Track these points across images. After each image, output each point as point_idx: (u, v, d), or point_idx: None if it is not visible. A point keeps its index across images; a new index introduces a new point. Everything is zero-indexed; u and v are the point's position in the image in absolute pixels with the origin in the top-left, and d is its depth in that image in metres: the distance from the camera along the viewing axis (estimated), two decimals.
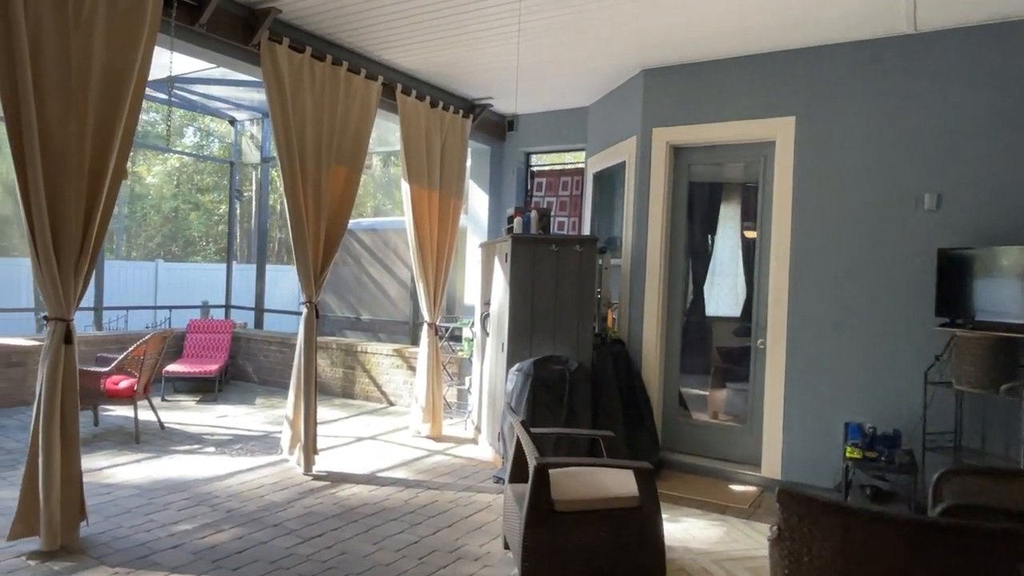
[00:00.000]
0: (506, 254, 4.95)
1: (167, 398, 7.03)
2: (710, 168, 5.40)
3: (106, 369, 5.20)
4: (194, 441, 5.41)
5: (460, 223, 6.40)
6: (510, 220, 5.44)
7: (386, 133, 9.55)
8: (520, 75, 5.58)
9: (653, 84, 5.34)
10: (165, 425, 5.80)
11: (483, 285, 5.84)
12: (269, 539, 3.56)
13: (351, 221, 9.62)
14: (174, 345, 7.98)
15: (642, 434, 4.92)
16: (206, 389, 7.45)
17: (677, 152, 5.33)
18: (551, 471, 3.12)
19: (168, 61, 7.04)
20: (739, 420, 5.19)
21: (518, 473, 3.45)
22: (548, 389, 4.50)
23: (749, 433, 5.04)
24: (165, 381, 7.07)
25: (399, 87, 5.51)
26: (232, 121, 9.35)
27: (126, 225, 19.06)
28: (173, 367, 7.03)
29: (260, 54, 4.38)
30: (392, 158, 17.61)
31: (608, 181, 6.27)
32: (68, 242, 3.26)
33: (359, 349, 7.45)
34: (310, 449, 4.68)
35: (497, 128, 7.00)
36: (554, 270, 4.81)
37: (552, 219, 6.65)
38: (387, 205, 19.57)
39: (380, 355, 7.31)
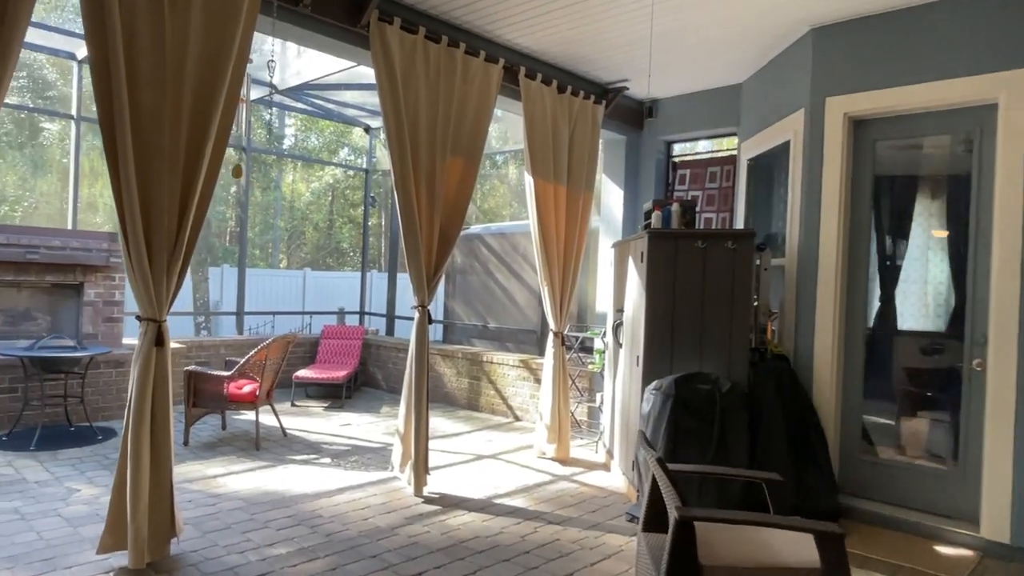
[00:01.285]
0: (642, 252, 4.25)
1: (297, 403, 7.01)
2: (902, 148, 4.33)
3: (228, 373, 5.14)
4: (312, 451, 5.21)
5: (591, 223, 5.76)
6: (647, 215, 4.73)
7: (520, 131, 9.14)
8: (659, 48, 4.86)
9: (824, 44, 4.39)
10: (287, 432, 5.68)
11: (616, 289, 5.15)
12: (364, 573, 3.13)
13: (480, 226, 9.33)
14: (309, 350, 8.05)
15: (814, 474, 3.98)
16: (336, 395, 7.38)
17: (858, 126, 4.33)
18: (698, 523, 2.39)
19: (298, 67, 7.07)
20: (943, 460, 4.06)
21: (654, 520, 2.74)
22: (693, 414, 3.73)
23: (961, 479, 3.91)
24: (296, 386, 7.06)
25: (522, 70, 5.00)
26: (367, 129, 9.40)
27: (281, 235, 20.42)
28: (303, 372, 7.00)
29: (369, 36, 4.05)
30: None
31: (765, 169, 5.34)
32: (161, 239, 3.04)
33: (485, 359, 7.03)
34: (421, 468, 4.25)
35: (633, 115, 6.29)
36: (700, 271, 4.03)
37: (698, 215, 5.82)
38: (524, 214, 19.20)
39: (506, 366, 6.83)
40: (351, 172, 21.28)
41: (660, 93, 6.11)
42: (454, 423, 6.42)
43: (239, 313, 8.08)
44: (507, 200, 21.12)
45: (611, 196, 6.47)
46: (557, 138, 5.26)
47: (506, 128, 10.28)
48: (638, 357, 4.26)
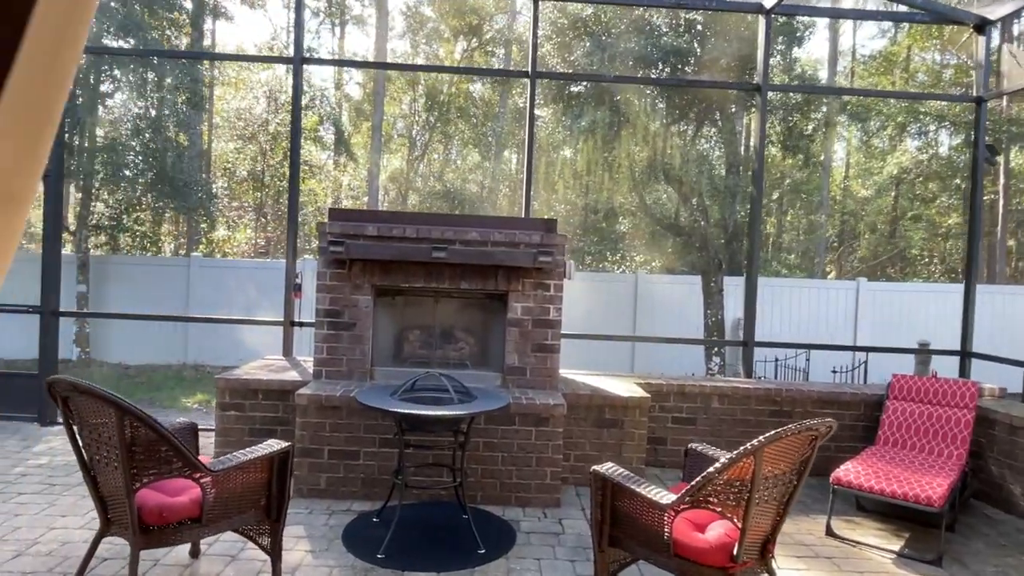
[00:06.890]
0: None
1: (836, 529, 3.67)
2: None
3: (671, 499, 2.31)
4: None
5: None
6: None
7: None
8: None
9: None
10: None
11: None
12: None
13: None
14: (863, 416, 4.59)
15: None
16: (921, 519, 3.73)
17: None
18: None
19: None
20: None
21: None
22: None
23: None
24: (834, 491, 3.73)
25: None
26: (980, 26, 5.26)
27: (828, 241, 16.57)
28: (848, 472, 3.63)
29: None
30: None
31: None
32: None
33: None
34: None
35: None
36: None
37: None
38: None
39: None
40: (924, 156, 15.89)
41: None
42: None
43: (747, 344, 5.20)
44: None
45: None
46: None
47: None
48: None
